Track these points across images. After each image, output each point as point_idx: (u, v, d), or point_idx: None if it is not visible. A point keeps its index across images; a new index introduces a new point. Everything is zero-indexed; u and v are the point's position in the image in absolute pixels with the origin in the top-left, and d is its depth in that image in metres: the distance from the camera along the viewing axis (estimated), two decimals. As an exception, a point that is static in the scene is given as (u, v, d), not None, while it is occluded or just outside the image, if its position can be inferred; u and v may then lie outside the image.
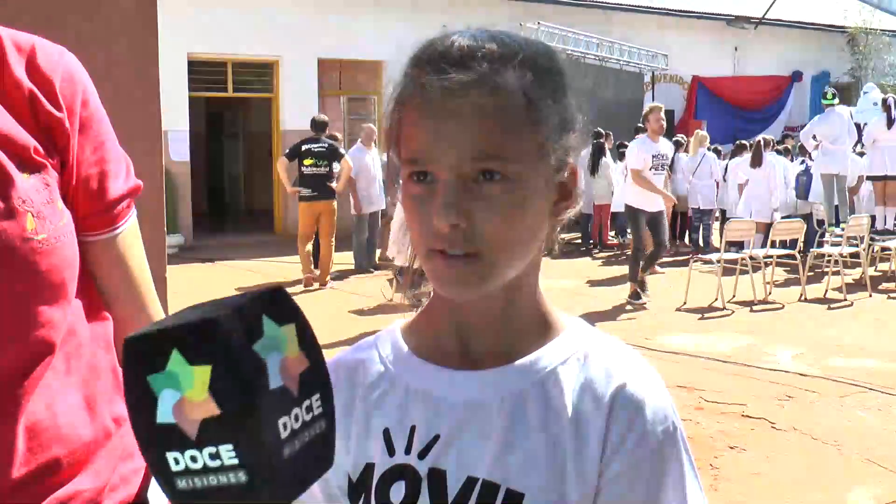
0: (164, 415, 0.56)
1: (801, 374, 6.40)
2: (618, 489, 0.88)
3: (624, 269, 11.28)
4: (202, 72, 14.75)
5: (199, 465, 0.56)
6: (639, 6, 18.53)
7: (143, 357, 0.58)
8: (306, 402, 0.62)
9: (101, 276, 1.14)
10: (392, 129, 0.91)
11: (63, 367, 1.05)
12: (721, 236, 9.18)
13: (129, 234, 1.17)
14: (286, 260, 11.81)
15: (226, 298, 0.62)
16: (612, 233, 14.01)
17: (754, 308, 8.80)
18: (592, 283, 10.36)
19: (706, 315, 8.55)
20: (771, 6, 19.25)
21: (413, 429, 0.92)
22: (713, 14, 19.78)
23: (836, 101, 11.99)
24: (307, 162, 9.76)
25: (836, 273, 9.56)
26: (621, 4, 18.25)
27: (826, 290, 9.52)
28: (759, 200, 11.61)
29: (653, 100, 18.38)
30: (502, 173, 0.86)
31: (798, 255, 9.56)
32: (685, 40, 19.28)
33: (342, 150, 9.96)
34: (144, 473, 1.15)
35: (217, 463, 0.56)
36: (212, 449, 0.55)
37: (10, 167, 0.99)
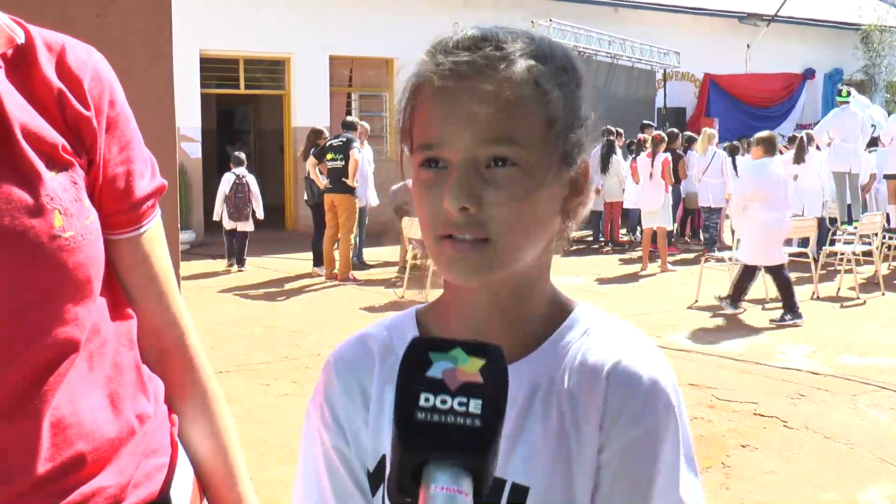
0: (434, 372, 0.76)
1: (813, 373, 6.38)
2: (614, 467, 0.89)
3: (635, 268, 11.29)
4: (214, 69, 14.78)
5: (446, 407, 0.74)
6: (651, 3, 18.47)
7: (429, 344, 0.78)
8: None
9: (125, 274, 1.15)
10: (405, 120, 0.93)
11: (87, 364, 1.06)
12: (732, 234, 9.14)
13: (154, 232, 1.18)
14: (297, 256, 11.84)
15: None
16: (623, 230, 13.99)
17: (766, 306, 8.77)
18: (602, 281, 10.35)
19: (718, 312, 8.52)
20: (783, 3, 19.17)
21: None
22: (725, 11, 19.71)
23: (851, 98, 11.94)
24: (329, 157, 10.23)
25: (849, 271, 9.52)
26: (633, 2, 18.20)
27: (839, 289, 9.48)
28: (811, 195, 11.54)
29: (664, 98, 18.39)
30: (513, 159, 0.87)
31: (810, 254, 9.53)
32: (697, 38, 19.21)
33: (353, 144, 10.09)
34: (168, 471, 1.16)
35: (463, 409, 0.74)
36: (463, 399, 0.74)
37: (39, 165, 1.00)
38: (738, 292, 8.36)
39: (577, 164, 0.92)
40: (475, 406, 0.74)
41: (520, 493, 0.89)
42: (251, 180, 11.01)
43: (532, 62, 0.88)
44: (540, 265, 0.95)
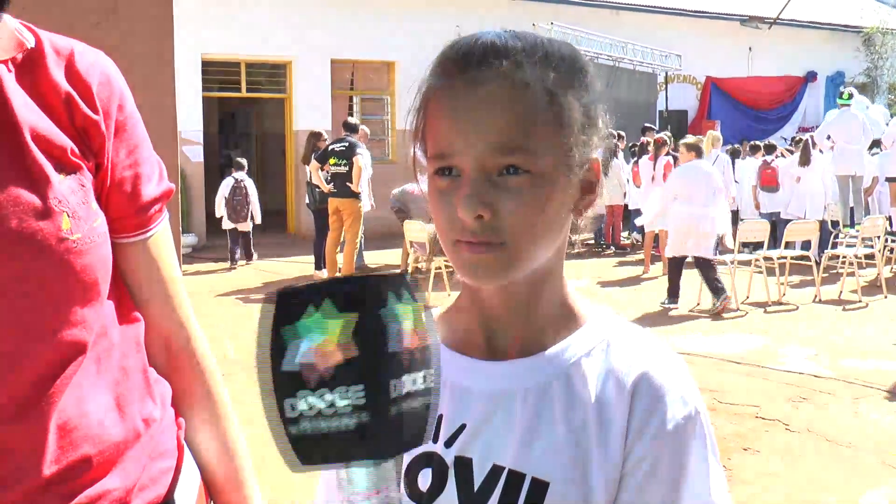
0: (289, 364, 0.61)
1: (815, 376, 6.37)
2: (641, 474, 0.90)
3: (636, 270, 11.29)
4: (216, 72, 14.80)
5: (313, 413, 0.60)
6: (652, 6, 18.48)
7: (290, 307, 0.63)
8: (413, 376, 0.66)
9: (132, 278, 1.16)
10: (418, 126, 0.94)
11: (94, 367, 1.06)
12: (735, 237, 9.15)
13: (161, 236, 1.18)
14: (299, 260, 11.84)
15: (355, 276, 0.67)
16: (625, 233, 13.98)
17: (768, 309, 8.77)
18: (604, 284, 10.34)
19: (720, 316, 8.52)
20: (785, 6, 19.16)
21: (440, 418, 0.94)
22: (727, 14, 19.71)
23: (852, 101, 11.92)
24: (332, 161, 10.19)
25: (851, 274, 9.51)
26: (634, 4, 18.21)
27: (841, 292, 9.47)
28: (813, 197, 11.55)
29: (666, 101, 18.38)
30: (525, 167, 0.88)
31: (812, 257, 9.52)
32: (699, 40, 19.21)
33: (358, 150, 10.05)
34: (174, 474, 1.17)
35: (345, 403, 0.60)
36: (335, 393, 0.60)
37: (48, 167, 1.01)
38: (672, 287, 8.87)
39: (587, 164, 0.94)
40: (356, 396, 0.61)
41: (539, 487, 0.90)
42: (249, 184, 11.79)
43: (543, 69, 0.89)
44: (553, 261, 0.96)
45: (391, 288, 0.67)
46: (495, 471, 0.91)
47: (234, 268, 11.63)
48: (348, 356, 0.61)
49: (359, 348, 0.61)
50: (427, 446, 0.93)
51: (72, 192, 1.03)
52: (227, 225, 11.76)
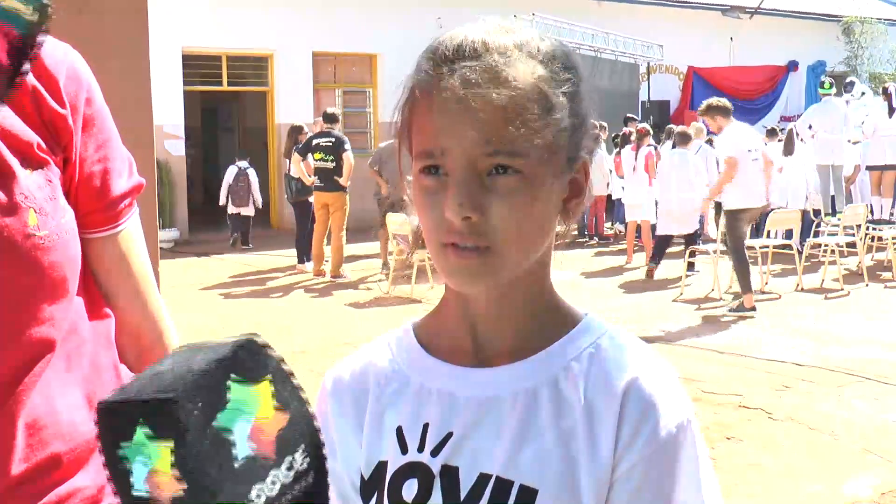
0: (138, 483, 0.55)
1: (797, 364, 6.40)
2: (632, 483, 0.87)
3: (620, 261, 11.32)
4: (197, 66, 14.72)
5: None
6: (634, -3, 18.51)
7: (115, 426, 0.57)
8: (286, 462, 0.61)
9: (103, 274, 1.15)
10: (403, 123, 0.91)
11: (64, 364, 1.05)
12: (717, 227, 9.19)
13: (131, 231, 1.17)
14: (282, 253, 11.81)
15: (198, 355, 0.60)
16: (608, 223, 14.02)
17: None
18: (588, 275, 10.36)
19: (702, 306, 8.55)
20: (766, -4, 19.24)
21: (426, 426, 0.92)
22: (708, 4, 19.76)
23: (833, 90, 11.99)
24: (316, 156, 10.16)
25: (833, 263, 9.56)
26: (616, -5, 18.22)
27: (822, 280, 9.52)
28: (794, 187, 11.61)
29: (648, 91, 18.43)
30: (515, 168, 0.85)
31: (794, 246, 9.57)
32: (680, 31, 19.26)
33: (346, 146, 10.01)
34: None
35: None
36: None
37: (13, 163, 0.99)
38: (657, 255, 10.15)
39: (577, 164, 0.92)
40: None
41: (528, 494, 0.88)
42: (251, 172, 12.95)
43: (534, 68, 0.87)
44: (539, 264, 0.94)
45: (231, 372, 0.58)
46: (482, 479, 0.89)
47: (245, 248, 12.68)
48: (175, 490, 0.54)
49: (186, 480, 0.54)
50: (412, 456, 0.92)
51: (38, 188, 1.01)
52: (231, 209, 12.81)
